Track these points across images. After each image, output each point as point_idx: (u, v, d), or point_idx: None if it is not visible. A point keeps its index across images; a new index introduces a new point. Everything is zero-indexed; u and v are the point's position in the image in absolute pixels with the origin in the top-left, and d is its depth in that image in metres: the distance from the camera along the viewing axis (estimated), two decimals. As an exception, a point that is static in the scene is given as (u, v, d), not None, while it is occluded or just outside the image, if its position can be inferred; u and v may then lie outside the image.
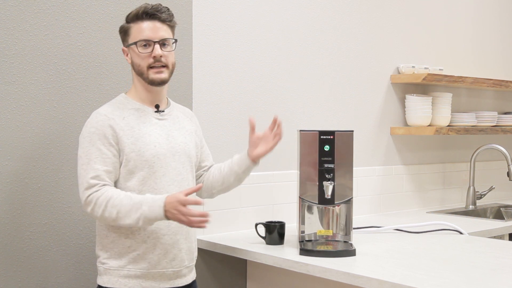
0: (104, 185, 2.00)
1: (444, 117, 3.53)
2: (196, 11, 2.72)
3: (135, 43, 2.08)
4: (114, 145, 2.04)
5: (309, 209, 2.48)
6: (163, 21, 2.10)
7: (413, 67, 3.50)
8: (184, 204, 1.95)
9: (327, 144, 2.41)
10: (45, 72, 2.31)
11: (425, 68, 3.51)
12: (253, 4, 2.91)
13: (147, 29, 2.07)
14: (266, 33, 2.96)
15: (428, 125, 3.47)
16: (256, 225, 2.57)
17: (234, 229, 2.83)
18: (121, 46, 2.17)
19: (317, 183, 2.41)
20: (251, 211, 2.88)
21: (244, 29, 2.88)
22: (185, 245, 2.15)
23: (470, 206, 3.73)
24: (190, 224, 1.98)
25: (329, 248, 2.37)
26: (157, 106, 2.16)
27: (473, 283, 1.97)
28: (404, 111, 3.54)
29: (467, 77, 3.60)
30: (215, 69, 2.79)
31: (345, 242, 2.46)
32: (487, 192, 3.87)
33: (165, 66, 2.10)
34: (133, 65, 2.13)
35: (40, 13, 2.29)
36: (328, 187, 2.39)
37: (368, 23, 3.39)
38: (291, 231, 2.62)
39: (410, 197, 3.62)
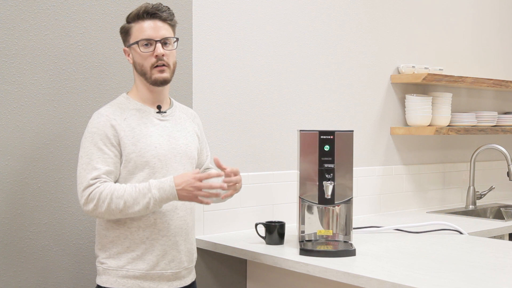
0: (104, 181, 1.99)
1: (444, 117, 3.53)
2: (196, 11, 2.72)
3: (137, 42, 2.08)
4: (115, 145, 2.04)
5: (309, 209, 2.48)
6: (164, 20, 2.10)
7: (413, 67, 3.50)
8: (200, 179, 1.97)
9: (327, 144, 2.41)
10: (45, 72, 2.30)
11: (425, 68, 3.51)
12: (253, 4, 2.91)
13: (148, 28, 2.07)
14: (266, 33, 2.96)
15: (428, 125, 3.47)
16: (256, 225, 2.57)
17: (234, 229, 2.83)
18: (122, 46, 2.17)
19: (317, 183, 2.41)
20: (251, 211, 2.88)
21: (244, 29, 2.88)
22: (184, 247, 2.15)
23: (470, 206, 3.73)
24: (204, 200, 1.99)
25: (329, 248, 2.37)
26: (159, 107, 2.16)
27: (473, 283, 1.96)
28: (404, 111, 3.54)
29: (467, 77, 3.60)
30: (215, 69, 2.79)
31: (345, 242, 2.46)
32: (487, 192, 3.87)
33: (167, 65, 2.10)
34: (135, 65, 2.12)
35: (40, 13, 2.29)
36: (328, 187, 2.39)
37: (368, 23, 3.39)
38: (291, 231, 2.62)
39: (410, 197, 3.62)
